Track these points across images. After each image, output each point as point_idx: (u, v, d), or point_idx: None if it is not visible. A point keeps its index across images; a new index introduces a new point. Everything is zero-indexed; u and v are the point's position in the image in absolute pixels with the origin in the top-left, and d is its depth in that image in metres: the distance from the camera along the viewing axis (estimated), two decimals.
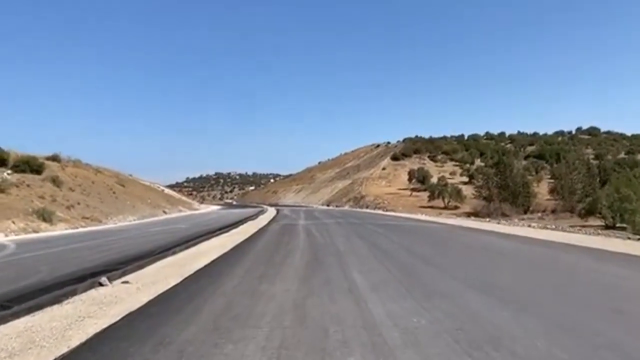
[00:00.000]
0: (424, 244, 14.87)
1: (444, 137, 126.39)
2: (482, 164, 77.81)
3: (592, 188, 43.34)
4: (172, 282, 7.76)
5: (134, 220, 34.89)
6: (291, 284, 7.28)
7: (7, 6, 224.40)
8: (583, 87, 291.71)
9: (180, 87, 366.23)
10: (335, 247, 13.11)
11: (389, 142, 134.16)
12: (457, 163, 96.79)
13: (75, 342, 4.51)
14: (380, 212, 52.75)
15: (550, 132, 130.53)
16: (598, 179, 47.77)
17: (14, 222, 22.98)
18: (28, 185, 30.23)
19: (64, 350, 4.29)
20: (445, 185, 63.72)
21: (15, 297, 6.40)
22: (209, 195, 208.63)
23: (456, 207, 55.14)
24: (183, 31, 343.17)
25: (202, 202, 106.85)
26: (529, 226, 25.77)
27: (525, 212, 43.70)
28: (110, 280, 8.09)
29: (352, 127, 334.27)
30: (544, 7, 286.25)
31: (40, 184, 31.89)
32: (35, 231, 22.58)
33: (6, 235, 20.05)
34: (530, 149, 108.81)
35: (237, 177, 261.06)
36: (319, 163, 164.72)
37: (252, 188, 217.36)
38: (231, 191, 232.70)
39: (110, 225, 29.03)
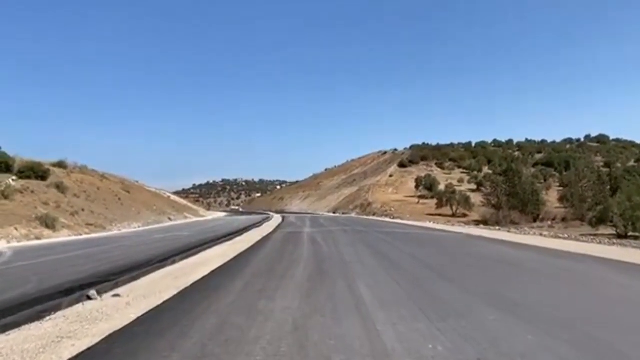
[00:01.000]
0: (434, 254, 14.20)
1: (452, 144, 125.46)
2: (490, 172, 76.93)
3: (603, 196, 42.60)
4: (166, 296, 7.25)
5: (139, 227, 34.55)
6: (292, 300, 6.71)
7: (6, 11, 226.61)
8: (592, 94, 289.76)
9: (188, 93, 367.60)
10: (341, 257, 12.51)
11: (396, 149, 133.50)
12: (465, 170, 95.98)
13: None
14: (387, 219, 52.10)
15: (558, 140, 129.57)
16: (609, 187, 46.96)
17: (16, 229, 22.69)
18: (32, 192, 30.04)
19: None
20: (454, 192, 62.94)
21: None
22: (215, 202, 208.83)
23: (464, 215, 54.42)
24: (190, 39, 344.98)
25: (208, 209, 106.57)
26: (541, 235, 25.09)
27: (535, 220, 42.97)
28: (101, 292, 7.61)
29: (359, 134, 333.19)
30: (552, 14, 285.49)
31: (45, 190, 31.71)
32: (38, 238, 22.29)
33: (8, 242, 19.75)
34: (538, 156, 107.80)
35: (244, 183, 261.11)
36: (326, 170, 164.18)
37: (259, 195, 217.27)
38: (238, 198, 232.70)
39: (114, 232, 28.71)
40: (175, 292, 7.56)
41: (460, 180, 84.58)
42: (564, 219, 41.59)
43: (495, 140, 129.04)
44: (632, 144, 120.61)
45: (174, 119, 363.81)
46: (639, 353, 4.36)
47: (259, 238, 20.79)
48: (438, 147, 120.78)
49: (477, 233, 26.59)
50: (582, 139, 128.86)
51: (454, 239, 21.62)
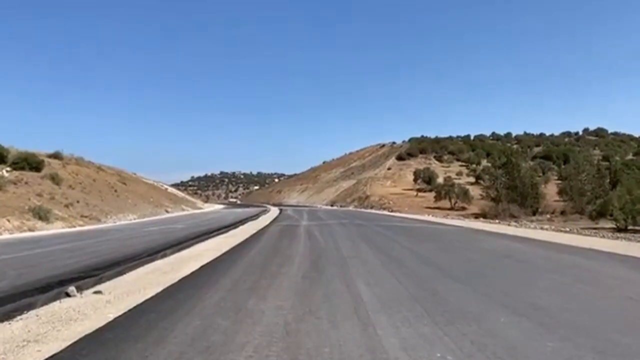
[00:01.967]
0: (436, 249, 13.62)
1: (450, 137, 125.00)
2: (489, 165, 76.53)
3: (603, 190, 42.33)
4: (150, 293, 6.75)
5: (135, 219, 34.11)
6: (285, 299, 6.17)
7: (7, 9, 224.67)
8: (589, 88, 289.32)
9: (186, 87, 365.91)
10: (339, 253, 11.90)
11: (394, 142, 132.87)
12: (464, 163, 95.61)
13: None
14: (385, 212, 51.70)
15: (557, 133, 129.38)
16: (608, 181, 46.65)
17: (9, 221, 22.22)
18: (26, 183, 29.62)
19: None
20: (452, 185, 62.54)
21: None
22: (213, 195, 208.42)
23: (463, 208, 54.05)
24: (187, 31, 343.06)
25: (206, 201, 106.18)
26: (542, 228, 24.69)
27: (534, 214, 42.60)
28: (82, 289, 7.10)
29: (357, 127, 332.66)
30: (551, 7, 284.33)
31: (39, 181, 31.30)
32: (30, 230, 21.86)
33: None
34: (536, 149, 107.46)
35: (242, 176, 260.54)
36: (324, 163, 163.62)
37: (257, 187, 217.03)
38: (235, 190, 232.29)
39: (109, 224, 28.27)
40: (160, 289, 7.06)
41: (459, 173, 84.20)
42: (562, 212, 41.24)
43: (493, 133, 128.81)
44: (630, 138, 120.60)
45: (172, 112, 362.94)
46: None
47: (254, 231, 20.24)
48: (436, 140, 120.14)
49: (477, 226, 26.16)
50: (581, 133, 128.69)
51: (455, 232, 21.15)
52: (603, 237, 18.81)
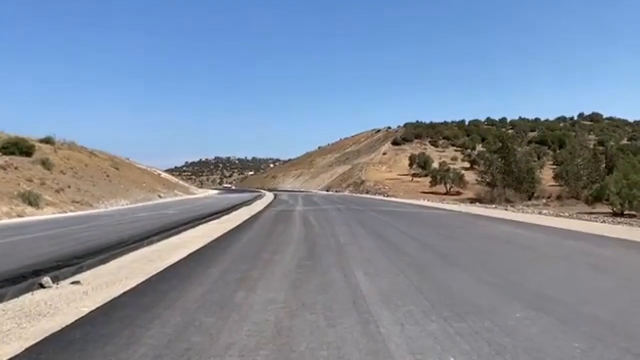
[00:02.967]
0: (436, 234, 13.15)
1: (445, 123, 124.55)
2: (484, 150, 76.27)
3: (599, 174, 42.19)
4: (132, 284, 6.24)
5: (127, 204, 33.57)
6: (277, 291, 5.64)
7: None
8: (584, 73, 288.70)
9: (181, 72, 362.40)
10: (336, 240, 11.35)
11: (389, 127, 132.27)
12: (459, 148, 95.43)
13: None
14: (381, 198, 51.34)
15: (552, 118, 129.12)
16: (604, 166, 46.47)
17: None
18: (16, 168, 28.96)
19: None
20: (448, 170, 62.30)
21: None
22: (208, 180, 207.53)
23: (458, 193, 53.85)
24: (183, 15, 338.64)
25: (200, 187, 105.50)
26: (540, 213, 24.30)
27: (530, 199, 42.44)
28: (60, 279, 6.57)
29: (353, 112, 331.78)
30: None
31: (30, 166, 30.65)
32: (20, 216, 21.27)
33: None
34: (532, 135, 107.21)
35: (237, 162, 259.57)
36: (319, 148, 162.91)
37: (252, 173, 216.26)
38: (230, 176, 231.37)
39: (101, 209, 27.73)
40: (143, 280, 6.54)
41: (454, 159, 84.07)
42: (559, 197, 41.11)
43: (488, 119, 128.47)
44: (625, 123, 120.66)
45: (168, 97, 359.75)
46: None
47: (248, 217, 19.69)
48: (432, 125, 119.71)
49: (475, 211, 25.74)
50: (576, 118, 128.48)
51: (453, 218, 20.69)
52: (604, 222, 18.40)
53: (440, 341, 3.77)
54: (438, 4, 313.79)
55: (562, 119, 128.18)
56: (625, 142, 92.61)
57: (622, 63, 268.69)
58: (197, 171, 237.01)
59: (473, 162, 70.00)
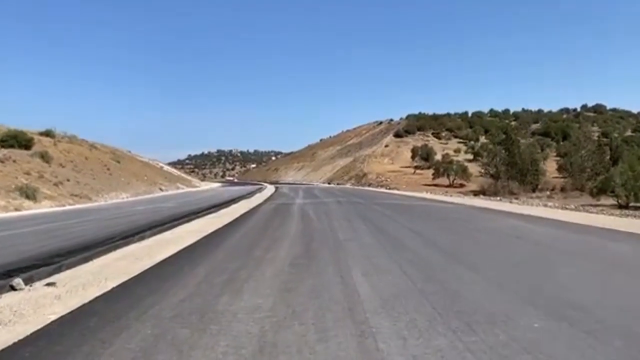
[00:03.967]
0: (440, 229, 12.66)
1: (448, 114, 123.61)
2: (487, 141, 75.74)
3: (603, 166, 41.79)
4: (110, 285, 5.88)
5: (127, 197, 33.42)
6: (265, 295, 5.21)
7: None
8: (588, 64, 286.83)
9: (182, 64, 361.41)
10: (334, 235, 10.92)
11: (391, 119, 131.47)
12: (462, 140, 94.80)
13: None
14: (383, 190, 51.05)
15: (555, 110, 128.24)
16: (609, 157, 46.04)
17: None
18: (14, 161, 28.82)
19: None
20: (450, 162, 61.87)
21: None
22: (210, 173, 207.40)
23: (462, 185, 53.47)
24: (183, 8, 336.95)
25: (203, 180, 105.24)
26: (545, 206, 24.00)
27: (534, 191, 42.07)
28: (34, 280, 6.21)
29: (355, 104, 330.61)
30: None
31: (28, 159, 30.51)
32: (17, 209, 21.07)
33: None
34: (535, 126, 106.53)
35: (239, 154, 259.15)
36: (321, 140, 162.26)
37: (254, 166, 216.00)
38: (233, 169, 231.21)
39: (100, 202, 27.53)
40: (124, 280, 6.19)
41: (457, 150, 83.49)
42: (562, 189, 40.72)
43: (491, 110, 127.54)
44: (629, 114, 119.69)
45: (169, 89, 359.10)
46: None
47: (245, 210, 19.40)
48: (434, 117, 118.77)
49: (478, 204, 25.40)
50: (579, 109, 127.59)
51: (457, 210, 20.26)
52: (612, 215, 18.05)
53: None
54: None
55: (565, 110, 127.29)
56: (629, 133, 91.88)
57: (626, 54, 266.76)
58: (199, 164, 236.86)
59: (476, 154, 69.50)
